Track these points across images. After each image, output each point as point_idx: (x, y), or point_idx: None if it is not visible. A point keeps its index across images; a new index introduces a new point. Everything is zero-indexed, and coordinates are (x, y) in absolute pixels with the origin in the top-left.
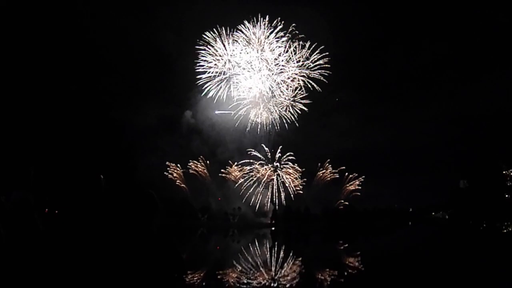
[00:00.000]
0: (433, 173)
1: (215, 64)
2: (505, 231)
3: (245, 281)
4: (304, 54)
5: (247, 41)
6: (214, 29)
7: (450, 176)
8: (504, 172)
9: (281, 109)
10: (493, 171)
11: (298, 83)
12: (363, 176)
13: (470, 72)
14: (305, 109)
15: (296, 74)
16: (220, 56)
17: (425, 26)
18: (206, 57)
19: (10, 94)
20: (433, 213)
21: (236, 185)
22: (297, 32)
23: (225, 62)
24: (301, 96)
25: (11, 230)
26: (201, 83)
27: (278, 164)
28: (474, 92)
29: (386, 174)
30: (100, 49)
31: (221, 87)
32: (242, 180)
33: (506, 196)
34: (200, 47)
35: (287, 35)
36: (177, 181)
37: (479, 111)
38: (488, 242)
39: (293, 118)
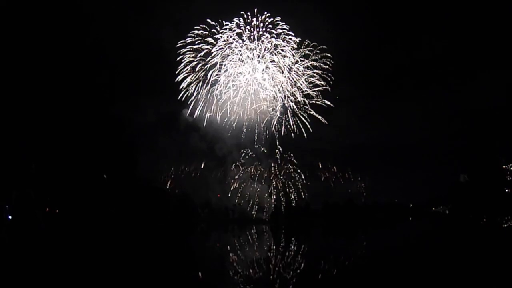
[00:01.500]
0: (433, 167)
1: (204, 69)
2: (505, 225)
3: (247, 276)
4: (303, 52)
5: (241, 39)
6: (206, 26)
7: (450, 171)
8: (504, 166)
9: (281, 113)
10: (493, 166)
11: (297, 84)
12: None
13: (469, 67)
14: (325, 121)
15: (296, 73)
16: (209, 57)
17: (424, 21)
18: (192, 60)
19: (9, 91)
20: (434, 208)
21: (236, 182)
22: (292, 35)
23: (216, 64)
24: (301, 97)
25: (12, 229)
26: (193, 86)
27: (276, 164)
28: (474, 87)
29: (385, 169)
30: (99, 46)
31: (212, 91)
32: (242, 176)
33: (506, 190)
34: (185, 49)
35: (285, 30)
36: (171, 186)
37: (479, 106)
38: (488, 236)
39: (295, 126)
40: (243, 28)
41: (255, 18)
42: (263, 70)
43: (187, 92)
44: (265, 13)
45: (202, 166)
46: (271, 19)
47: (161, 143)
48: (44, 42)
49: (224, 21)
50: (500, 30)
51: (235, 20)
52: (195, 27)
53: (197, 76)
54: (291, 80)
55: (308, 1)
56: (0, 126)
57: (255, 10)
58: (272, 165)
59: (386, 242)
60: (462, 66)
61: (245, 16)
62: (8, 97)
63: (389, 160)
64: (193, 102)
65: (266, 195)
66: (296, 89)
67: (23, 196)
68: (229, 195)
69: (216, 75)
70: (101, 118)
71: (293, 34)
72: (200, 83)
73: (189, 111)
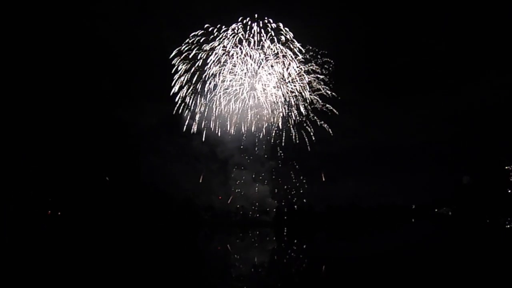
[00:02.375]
0: (436, 169)
1: (201, 78)
2: (508, 226)
3: (251, 280)
4: (304, 58)
5: (241, 45)
6: (205, 31)
7: (453, 172)
8: (506, 167)
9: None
10: (495, 167)
11: (295, 94)
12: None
13: (471, 69)
14: (330, 132)
15: (297, 79)
16: (206, 66)
17: (424, 24)
18: (189, 69)
19: (15, 94)
20: (437, 210)
21: (238, 185)
22: (294, 40)
23: (214, 73)
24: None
25: (13, 231)
26: (190, 98)
27: (278, 167)
28: (475, 88)
29: (388, 171)
30: (105, 51)
31: (210, 101)
32: (244, 179)
33: (509, 191)
34: (181, 57)
35: (286, 36)
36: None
37: (481, 107)
38: (492, 238)
39: (297, 133)
40: (242, 34)
41: (255, 24)
42: (263, 76)
43: (184, 105)
44: (266, 18)
45: (204, 169)
46: (273, 24)
47: (163, 146)
48: (51, 48)
49: (223, 26)
50: (500, 31)
51: (234, 25)
52: (192, 34)
53: (194, 88)
54: (292, 86)
55: (309, 6)
56: (3, 128)
57: (256, 15)
58: (274, 168)
59: (394, 245)
60: (463, 68)
61: (245, 21)
62: (13, 99)
63: (391, 162)
64: (190, 113)
65: (269, 198)
66: (297, 94)
67: (24, 197)
68: (232, 198)
69: (214, 84)
70: (104, 121)
71: (294, 39)
72: (198, 96)
73: (187, 122)
